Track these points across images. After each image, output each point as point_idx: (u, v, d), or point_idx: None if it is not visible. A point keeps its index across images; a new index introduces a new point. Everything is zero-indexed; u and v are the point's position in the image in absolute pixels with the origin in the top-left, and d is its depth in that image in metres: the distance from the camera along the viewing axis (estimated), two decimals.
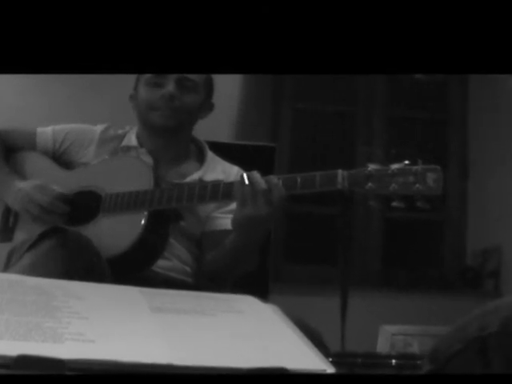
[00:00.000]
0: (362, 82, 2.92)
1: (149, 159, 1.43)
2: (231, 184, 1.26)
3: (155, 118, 1.42)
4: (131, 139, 1.48)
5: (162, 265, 1.34)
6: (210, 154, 1.51)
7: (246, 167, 1.32)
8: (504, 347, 0.64)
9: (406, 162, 1.20)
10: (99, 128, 1.50)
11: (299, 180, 1.21)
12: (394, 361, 1.53)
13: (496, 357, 0.64)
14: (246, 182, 1.20)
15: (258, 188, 1.19)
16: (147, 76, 1.43)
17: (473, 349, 0.66)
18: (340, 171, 1.20)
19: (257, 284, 1.68)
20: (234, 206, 1.30)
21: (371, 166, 1.20)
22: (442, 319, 1.42)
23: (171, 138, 1.45)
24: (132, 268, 1.25)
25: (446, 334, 0.70)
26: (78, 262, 1.09)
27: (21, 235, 1.39)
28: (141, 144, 1.48)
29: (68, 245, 1.11)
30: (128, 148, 1.47)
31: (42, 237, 1.14)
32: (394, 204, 1.19)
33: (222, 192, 1.25)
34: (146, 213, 1.28)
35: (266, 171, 1.25)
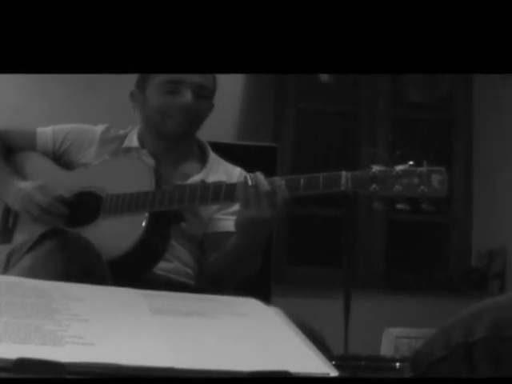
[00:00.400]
0: (365, 81, 2.90)
1: (150, 160, 1.43)
2: (234, 185, 1.25)
3: (168, 126, 1.40)
4: (132, 140, 1.47)
5: (163, 267, 1.34)
6: (212, 155, 1.50)
7: (248, 167, 1.32)
8: (491, 354, 0.59)
9: (411, 163, 1.19)
10: (100, 128, 1.49)
11: (302, 181, 1.20)
12: (398, 364, 1.52)
13: (482, 364, 0.60)
14: (250, 183, 1.19)
15: (262, 190, 1.18)
16: (160, 81, 1.39)
17: (457, 355, 0.61)
18: (344, 173, 1.19)
19: (259, 286, 1.67)
20: (236, 207, 1.29)
21: (375, 167, 1.19)
22: None
23: (175, 141, 1.44)
24: (133, 270, 1.25)
25: (428, 339, 0.67)
26: (78, 263, 1.08)
27: (20, 236, 1.38)
28: (142, 145, 1.47)
29: (68, 246, 1.11)
30: (129, 149, 1.46)
31: (41, 238, 1.14)
32: (399, 206, 1.18)
33: (224, 193, 1.25)
34: (147, 214, 1.28)
35: (268, 171, 1.24)
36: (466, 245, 2.87)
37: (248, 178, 1.20)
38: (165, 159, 1.45)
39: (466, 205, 2.88)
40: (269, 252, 1.89)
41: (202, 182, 1.41)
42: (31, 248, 1.13)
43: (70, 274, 1.04)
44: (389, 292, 2.73)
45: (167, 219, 1.32)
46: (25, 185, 1.38)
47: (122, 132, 1.50)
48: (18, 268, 1.11)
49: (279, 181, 1.20)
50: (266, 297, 1.19)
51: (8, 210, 1.44)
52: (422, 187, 1.15)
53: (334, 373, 0.63)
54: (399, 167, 1.19)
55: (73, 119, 1.55)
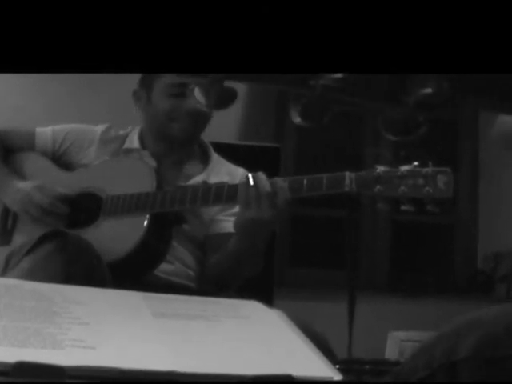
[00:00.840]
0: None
1: (151, 161, 1.42)
2: (236, 186, 1.24)
3: (173, 130, 1.39)
4: (133, 141, 1.46)
5: (164, 269, 1.33)
6: (214, 156, 1.49)
7: (251, 168, 1.31)
8: (476, 376, 0.56)
9: (416, 163, 1.17)
10: (100, 128, 1.48)
11: (306, 182, 1.19)
12: None
13: None
14: (251, 183, 1.18)
15: (262, 190, 1.17)
16: (165, 83, 1.38)
17: (440, 377, 0.58)
18: (347, 173, 1.18)
19: (261, 289, 1.66)
20: (238, 208, 1.28)
21: (379, 168, 1.18)
22: None
23: (179, 144, 1.43)
24: (134, 272, 1.24)
25: (409, 358, 0.64)
26: (78, 266, 1.07)
27: (20, 238, 1.37)
28: (143, 146, 1.46)
29: (68, 248, 1.10)
30: (130, 150, 1.45)
31: (41, 240, 1.13)
32: (404, 207, 1.17)
33: (226, 194, 1.24)
34: (148, 215, 1.27)
35: (270, 172, 1.23)
36: (472, 247, 2.86)
37: (249, 177, 1.19)
38: (166, 160, 1.44)
39: (472, 206, 2.86)
40: (271, 254, 1.88)
41: (204, 182, 1.40)
42: (30, 250, 1.13)
43: (69, 276, 1.03)
44: (393, 294, 2.71)
45: (168, 221, 1.32)
46: (24, 185, 1.37)
47: (122, 132, 1.49)
48: (18, 270, 1.10)
49: (281, 181, 1.19)
50: (268, 299, 1.18)
51: (7, 211, 1.43)
52: (427, 188, 1.14)
53: (337, 377, 0.63)
54: (404, 168, 1.17)
55: (73, 119, 1.55)
